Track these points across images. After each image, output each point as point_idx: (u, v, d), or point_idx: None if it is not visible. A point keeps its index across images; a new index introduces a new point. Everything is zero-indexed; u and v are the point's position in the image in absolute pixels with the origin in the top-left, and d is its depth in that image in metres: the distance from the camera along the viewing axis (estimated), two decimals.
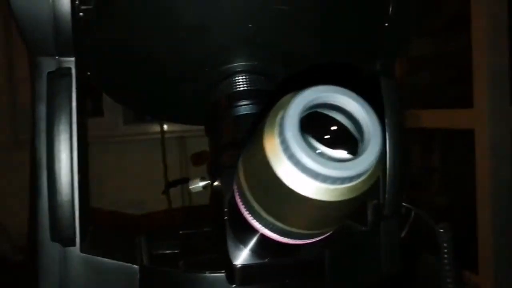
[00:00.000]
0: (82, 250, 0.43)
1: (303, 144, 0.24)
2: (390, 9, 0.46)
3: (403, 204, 0.53)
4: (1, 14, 2.05)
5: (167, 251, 0.48)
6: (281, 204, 0.27)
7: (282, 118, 0.24)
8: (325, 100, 0.25)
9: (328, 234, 0.32)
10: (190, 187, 0.41)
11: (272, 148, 0.24)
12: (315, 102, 0.25)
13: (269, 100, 0.26)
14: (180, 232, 0.51)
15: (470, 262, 1.72)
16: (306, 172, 0.24)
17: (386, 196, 0.47)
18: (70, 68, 0.42)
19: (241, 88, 0.40)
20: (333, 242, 0.49)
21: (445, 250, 0.53)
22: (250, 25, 0.36)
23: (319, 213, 0.27)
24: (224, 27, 0.38)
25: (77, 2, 0.38)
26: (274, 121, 0.25)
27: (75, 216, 0.42)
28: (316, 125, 0.26)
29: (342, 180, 0.24)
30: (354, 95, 0.25)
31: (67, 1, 0.39)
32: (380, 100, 0.44)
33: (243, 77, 0.40)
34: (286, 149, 0.24)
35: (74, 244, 0.42)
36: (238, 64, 0.40)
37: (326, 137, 0.26)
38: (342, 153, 0.26)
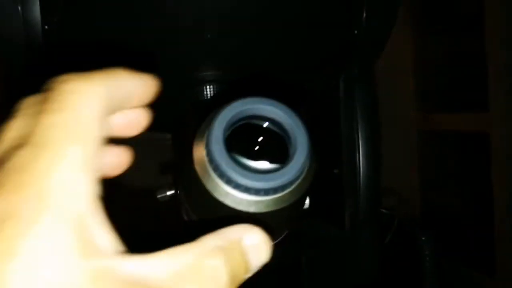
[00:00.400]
0: None
1: (227, 157, 0.24)
2: (364, 15, 0.46)
3: (383, 210, 0.53)
4: None
5: None
6: (214, 215, 0.27)
7: (208, 132, 0.24)
8: (252, 112, 0.25)
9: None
10: (158, 196, 0.41)
11: (200, 160, 0.25)
12: (242, 115, 0.25)
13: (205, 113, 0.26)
14: None
15: (486, 266, 1.69)
16: (231, 183, 0.24)
17: (360, 205, 0.47)
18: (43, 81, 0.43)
19: (208, 98, 0.41)
20: (309, 248, 0.49)
21: (427, 259, 0.52)
22: (208, 35, 0.36)
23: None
24: (187, 35, 0.38)
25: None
26: (202, 134, 0.25)
27: None
28: (250, 136, 0.26)
29: (266, 191, 0.24)
30: (279, 105, 0.25)
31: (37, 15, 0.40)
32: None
33: (211, 86, 0.41)
34: (211, 161, 0.24)
35: None
36: (205, 74, 0.41)
37: (256, 148, 0.26)
38: (273, 165, 0.26)
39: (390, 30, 0.47)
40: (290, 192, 0.25)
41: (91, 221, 0.19)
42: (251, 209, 0.25)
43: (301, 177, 0.25)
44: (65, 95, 0.20)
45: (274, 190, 0.24)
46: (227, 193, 0.24)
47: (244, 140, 0.26)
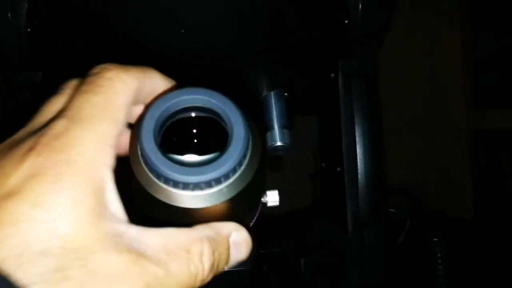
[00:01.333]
0: None
1: (160, 156, 0.23)
2: (359, 6, 0.44)
3: (392, 210, 0.50)
4: None
5: None
6: (166, 218, 0.26)
7: (139, 132, 0.23)
8: (181, 104, 0.24)
9: None
10: None
11: (134, 156, 0.24)
12: (175, 108, 0.24)
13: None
14: None
15: None
16: (169, 182, 0.23)
17: (360, 204, 0.45)
18: (38, 83, 0.44)
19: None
20: (311, 250, 0.47)
21: (439, 261, 0.49)
22: (182, 31, 0.36)
23: (201, 220, 0.26)
24: (158, 35, 0.38)
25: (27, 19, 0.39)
26: (135, 135, 0.24)
27: None
28: (184, 131, 0.25)
29: (207, 183, 0.23)
30: (208, 91, 0.24)
31: (22, 19, 0.41)
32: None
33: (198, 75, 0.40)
34: (142, 155, 0.23)
35: None
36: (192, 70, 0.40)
37: (194, 142, 0.25)
38: (213, 155, 0.25)
39: (389, 21, 0.44)
40: (232, 183, 0.23)
41: (107, 189, 0.22)
42: (197, 205, 0.23)
43: (241, 167, 0.23)
44: (105, 80, 0.23)
45: (208, 184, 0.23)
46: (169, 193, 0.23)
47: (183, 134, 0.25)
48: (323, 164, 0.54)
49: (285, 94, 0.45)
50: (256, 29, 0.38)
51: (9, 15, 0.41)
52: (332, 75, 0.48)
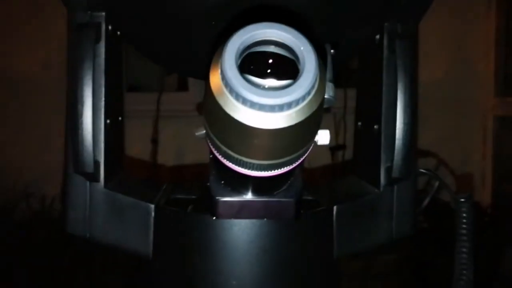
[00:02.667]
0: (105, 186, 0.48)
1: (240, 78, 0.26)
2: None
3: (421, 170, 0.53)
4: None
5: (185, 197, 0.52)
6: (235, 137, 0.29)
7: (221, 57, 0.26)
8: (259, 36, 0.27)
9: (290, 167, 0.33)
10: (196, 133, 0.44)
11: (216, 86, 0.27)
12: (252, 40, 0.27)
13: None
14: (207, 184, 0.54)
15: None
16: (246, 103, 0.26)
17: (395, 158, 0.47)
18: (99, 22, 0.47)
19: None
20: (342, 200, 0.50)
21: (464, 221, 0.51)
22: None
23: (267, 142, 0.29)
24: None
25: None
26: (217, 60, 0.27)
27: (99, 155, 0.47)
28: (262, 61, 0.28)
29: (280, 106, 0.26)
30: (285, 27, 0.27)
31: None
32: None
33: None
34: (226, 84, 0.26)
35: (97, 180, 0.47)
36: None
37: (269, 71, 0.28)
38: (286, 84, 0.28)
39: None
40: (303, 107, 0.26)
41: None
42: (270, 126, 0.26)
43: (309, 96, 0.26)
44: None
45: (288, 105, 0.26)
46: (245, 113, 0.26)
47: (256, 64, 0.28)
48: (359, 123, 0.56)
49: (331, 51, 0.47)
50: None
51: None
52: (377, 37, 0.50)
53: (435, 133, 2.15)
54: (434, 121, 2.13)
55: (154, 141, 2.29)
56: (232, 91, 0.26)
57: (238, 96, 0.26)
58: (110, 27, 0.48)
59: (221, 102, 0.27)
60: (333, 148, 2.04)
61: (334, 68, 0.48)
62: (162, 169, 2.27)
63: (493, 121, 2.33)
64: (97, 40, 0.46)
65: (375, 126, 0.51)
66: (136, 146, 2.19)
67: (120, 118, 0.53)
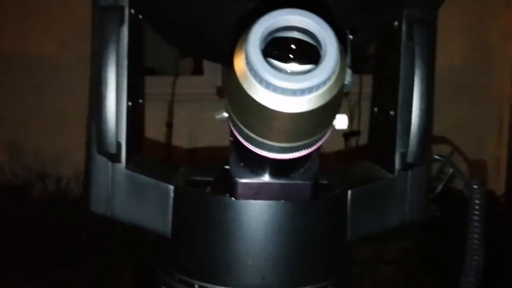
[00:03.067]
0: (127, 167, 0.50)
1: (264, 62, 0.27)
2: None
3: (435, 156, 0.53)
4: None
5: (202, 178, 0.53)
6: (257, 119, 0.31)
7: (246, 42, 0.27)
8: (282, 23, 0.28)
9: (309, 150, 0.34)
10: (216, 117, 0.45)
11: (240, 70, 0.28)
12: (275, 25, 0.28)
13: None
14: (225, 166, 0.56)
15: None
16: (269, 87, 0.27)
17: (410, 144, 0.48)
18: (123, 6, 0.48)
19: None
20: (356, 184, 0.51)
21: (476, 207, 0.52)
22: None
23: (288, 124, 0.30)
24: None
25: None
26: (241, 46, 0.28)
27: (121, 136, 0.48)
28: (285, 47, 0.29)
29: (302, 91, 0.27)
30: (307, 13, 0.27)
31: None
32: None
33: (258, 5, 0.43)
34: (250, 69, 0.27)
35: (119, 161, 0.49)
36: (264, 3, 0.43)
37: (291, 55, 0.29)
38: (307, 69, 0.29)
39: None
40: (323, 92, 0.27)
41: None
42: (292, 109, 0.27)
43: (332, 78, 0.27)
44: None
45: (309, 90, 0.27)
46: (267, 96, 0.27)
47: (280, 49, 0.29)
48: (375, 109, 0.57)
49: (350, 36, 0.48)
50: None
51: None
52: (396, 23, 0.50)
53: (450, 119, 2.14)
54: (449, 107, 2.12)
55: (169, 125, 2.31)
56: (256, 75, 0.27)
57: (261, 80, 0.27)
58: (132, 11, 0.49)
59: (245, 85, 0.28)
60: (347, 134, 2.04)
61: (351, 53, 0.49)
62: (176, 151, 2.29)
63: (509, 109, 2.31)
64: (121, 24, 0.47)
65: (391, 112, 0.52)
66: (151, 129, 2.21)
67: (140, 101, 0.55)
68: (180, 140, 2.34)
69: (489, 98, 2.38)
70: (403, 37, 0.50)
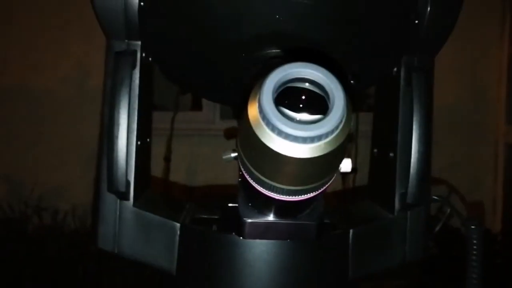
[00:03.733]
0: (134, 204, 0.51)
1: (276, 112, 0.29)
2: (428, 8, 0.49)
3: (434, 197, 0.55)
4: None
5: (208, 216, 0.54)
6: (269, 164, 0.32)
7: (259, 92, 0.29)
8: (294, 74, 0.30)
9: (316, 193, 0.36)
10: (223, 157, 0.47)
11: (254, 118, 0.30)
12: (287, 77, 0.30)
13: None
14: (229, 204, 0.57)
15: None
16: (281, 135, 0.29)
17: (409, 185, 0.50)
18: (135, 50, 0.50)
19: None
20: (359, 223, 0.53)
21: (475, 247, 0.54)
22: (277, 16, 0.41)
23: (298, 169, 0.32)
24: (254, 19, 0.43)
25: None
26: (255, 95, 0.30)
27: (130, 174, 0.50)
28: (295, 97, 0.31)
29: (312, 138, 0.29)
30: (317, 67, 0.30)
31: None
32: None
33: (275, 62, 0.45)
34: (264, 117, 0.29)
35: (127, 198, 0.50)
36: (270, 51, 0.46)
37: (301, 105, 0.31)
38: (316, 118, 0.31)
39: (454, 23, 0.49)
40: (332, 139, 0.29)
41: None
42: (302, 155, 0.29)
43: (340, 127, 0.29)
44: None
45: (318, 138, 0.29)
46: (279, 143, 0.29)
47: (291, 99, 0.31)
48: (375, 150, 0.59)
49: (351, 81, 0.50)
50: (338, 20, 0.44)
51: None
52: (395, 69, 0.53)
53: (446, 158, 2.17)
54: (445, 146, 2.15)
55: (167, 159, 2.32)
56: (268, 123, 0.29)
57: (274, 128, 0.29)
58: (144, 54, 0.51)
59: (258, 132, 0.30)
60: (343, 173, 2.05)
61: (352, 97, 0.51)
62: (174, 187, 2.30)
63: (504, 148, 2.34)
64: (133, 67, 0.49)
65: (391, 154, 0.54)
66: None
67: (148, 140, 0.57)
68: (178, 174, 2.35)
69: (484, 136, 2.42)
70: (402, 82, 0.52)
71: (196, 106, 2.49)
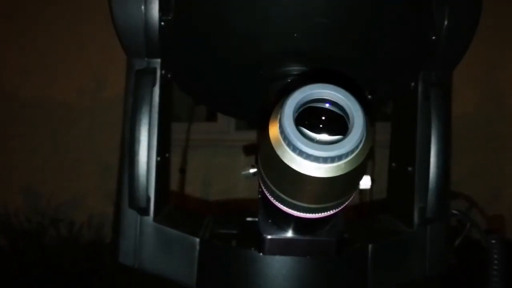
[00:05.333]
0: (154, 219, 0.52)
1: (297, 133, 0.29)
2: (445, 23, 0.49)
3: (454, 211, 0.55)
4: None
5: (227, 231, 0.55)
6: (290, 183, 0.33)
7: (280, 113, 0.30)
8: (315, 95, 0.30)
9: (335, 210, 0.36)
10: (242, 173, 0.47)
11: (275, 138, 0.30)
12: (308, 98, 0.30)
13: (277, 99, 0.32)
14: (247, 219, 0.57)
15: None
16: (302, 155, 0.29)
17: (428, 200, 0.49)
18: (155, 68, 0.51)
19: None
20: (378, 238, 0.53)
21: (496, 262, 0.53)
22: (295, 34, 0.42)
23: (318, 188, 0.32)
24: (272, 37, 0.44)
25: (160, 14, 0.47)
26: (276, 116, 0.31)
27: (150, 190, 0.50)
28: (316, 117, 0.31)
29: (332, 158, 0.29)
30: (337, 88, 0.30)
31: (155, 13, 0.48)
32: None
33: (295, 82, 0.46)
34: (285, 138, 0.30)
35: (148, 214, 0.51)
36: (288, 69, 0.46)
37: (321, 125, 0.31)
38: (336, 138, 0.31)
39: (471, 38, 0.49)
40: (351, 160, 0.30)
41: None
42: (323, 174, 0.30)
43: (360, 147, 0.29)
44: None
45: (339, 158, 0.29)
46: (300, 163, 0.30)
47: (311, 119, 0.31)
48: (393, 164, 0.59)
49: (369, 96, 0.51)
50: (356, 38, 0.44)
51: (142, 8, 0.48)
52: (413, 84, 0.53)
53: (465, 168, 2.15)
54: (464, 157, 2.13)
55: (182, 171, 2.33)
56: (289, 143, 0.29)
57: (295, 148, 0.29)
58: (163, 71, 0.52)
59: (279, 152, 0.30)
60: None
61: (369, 113, 0.52)
62: (189, 198, 2.31)
63: None
64: (153, 85, 0.50)
65: (409, 168, 0.53)
66: None
67: (167, 155, 0.57)
68: (193, 185, 2.36)
69: (503, 146, 2.39)
70: (420, 97, 0.52)
71: (211, 117, 2.50)
